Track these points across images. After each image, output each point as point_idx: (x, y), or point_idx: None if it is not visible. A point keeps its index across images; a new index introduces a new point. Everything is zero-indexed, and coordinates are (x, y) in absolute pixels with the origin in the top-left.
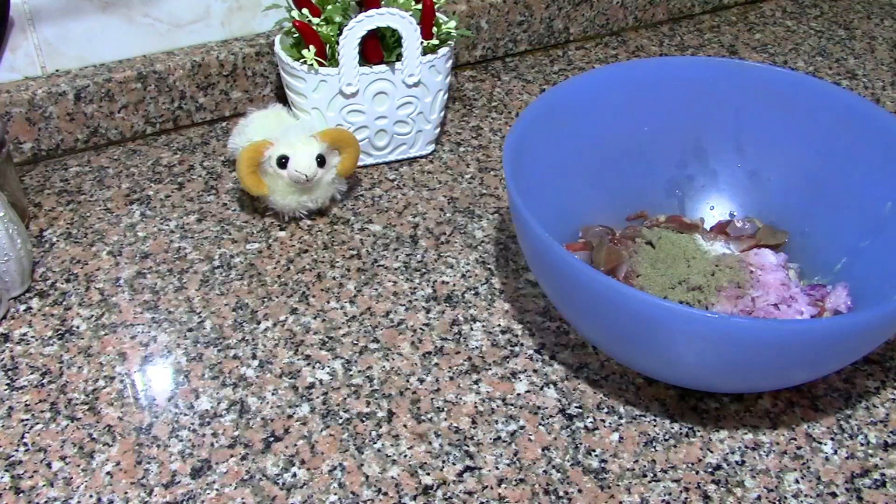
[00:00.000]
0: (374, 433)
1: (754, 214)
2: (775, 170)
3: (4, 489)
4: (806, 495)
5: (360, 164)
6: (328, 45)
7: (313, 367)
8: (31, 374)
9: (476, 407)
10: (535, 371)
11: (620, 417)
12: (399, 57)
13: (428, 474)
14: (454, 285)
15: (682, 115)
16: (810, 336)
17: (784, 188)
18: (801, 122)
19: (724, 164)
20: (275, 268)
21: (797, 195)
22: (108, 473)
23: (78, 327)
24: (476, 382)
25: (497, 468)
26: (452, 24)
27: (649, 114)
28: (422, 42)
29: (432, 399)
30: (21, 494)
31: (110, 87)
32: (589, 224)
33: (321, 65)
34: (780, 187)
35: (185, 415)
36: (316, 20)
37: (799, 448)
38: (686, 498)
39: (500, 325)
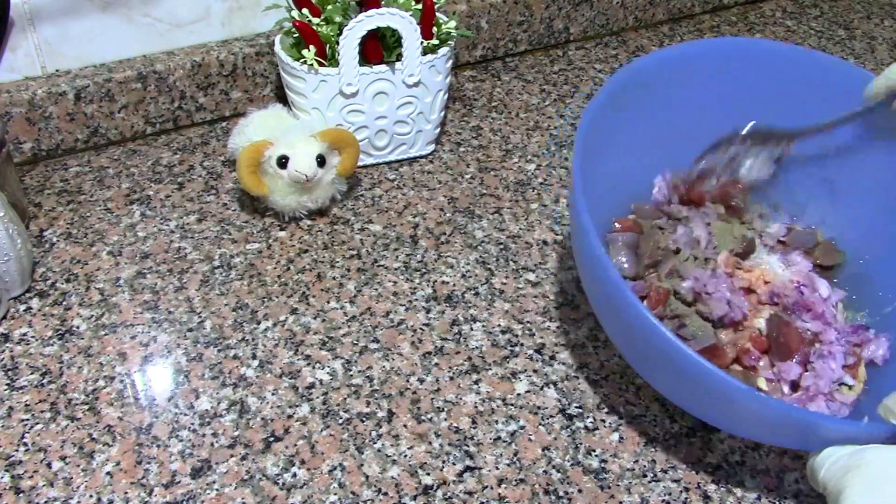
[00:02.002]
0: (374, 433)
1: (818, 225)
2: (854, 185)
3: (4, 489)
4: (806, 495)
5: (360, 164)
6: (328, 45)
7: (313, 367)
8: (31, 374)
9: (476, 407)
10: (535, 371)
11: (620, 417)
12: (399, 57)
13: (428, 474)
14: (454, 285)
15: (771, 103)
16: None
17: (858, 207)
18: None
19: (801, 164)
20: (275, 268)
21: (869, 218)
22: (108, 473)
23: (78, 327)
24: (476, 382)
25: (497, 468)
26: (452, 24)
27: (737, 96)
28: (422, 42)
29: (432, 399)
30: (21, 494)
31: (110, 87)
32: (646, 199)
33: (321, 65)
34: (853, 205)
35: (185, 415)
36: (316, 20)
37: (799, 448)
38: (686, 498)
39: (500, 325)
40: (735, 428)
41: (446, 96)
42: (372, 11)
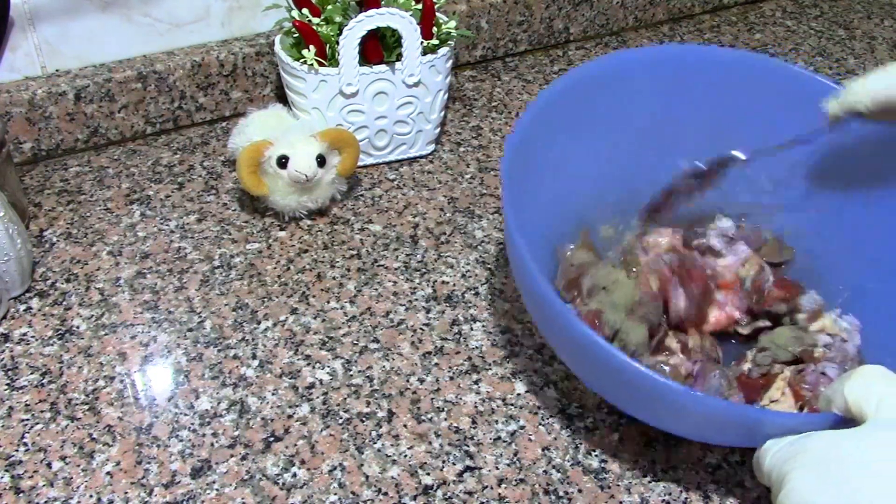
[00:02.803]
0: (374, 433)
1: (766, 224)
2: (799, 183)
3: (4, 489)
4: None
5: (360, 164)
6: (328, 45)
7: (313, 367)
8: (31, 374)
9: (476, 407)
10: (535, 371)
11: (620, 417)
12: (399, 57)
13: (428, 474)
14: (454, 285)
15: (710, 107)
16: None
17: (804, 204)
18: (838, 142)
19: (744, 167)
20: (275, 268)
21: (816, 215)
22: (108, 473)
23: (78, 327)
24: (476, 382)
25: (497, 468)
26: (452, 24)
27: (676, 100)
28: (422, 42)
29: (432, 399)
30: (21, 494)
31: (110, 87)
32: (592, 219)
33: (321, 65)
34: (799, 202)
35: (185, 415)
36: (316, 20)
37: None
38: (686, 498)
39: (500, 325)
40: (678, 428)
41: (446, 96)
42: (372, 11)
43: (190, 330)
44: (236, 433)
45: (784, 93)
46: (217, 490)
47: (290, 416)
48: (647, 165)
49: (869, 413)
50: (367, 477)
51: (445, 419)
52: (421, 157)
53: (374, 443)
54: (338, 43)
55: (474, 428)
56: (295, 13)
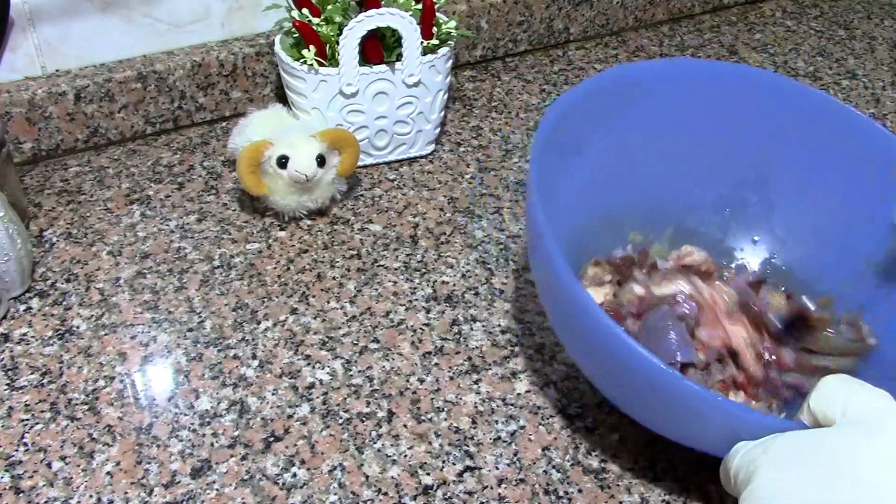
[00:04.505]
0: (374, 433)
1: (797, 264)
2: (838, 227)
3: (4, 489)
4: None
5: (360, 164)
6: (328, 45)
7: (313, 367)
8: (31, 374)
9: (476, 407)
10: (535, 371)
11: (621, 417)
12: (399, 57)
13: (428, 474)
14: (454, 285)
15: (755, 132)
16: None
17: (839, 252)
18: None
19: (785, 198)
20: (275, 268)
21: (851, 266)
22: (108, 473)
23: (78, 327)
24: (476, 382)
25: (497, 468)
26: (452, 24)
27: (720, 120)
28: (422, 42)
29: (432, 399)
30: (21, 494)
31: (110, 87)
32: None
33: (321, 65)
34: (836, 249)
35: (185, 415)
36: (316, 20)
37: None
38: (686, 498)
39: (500, 325)
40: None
41: (446, 96)
42: (372, 11)
43: (190, 330)
44: (236, 433)
45: (833, 132)
46: (217, 490)
47: (290, 416)
48: (685, 181)
49: (835, 419)
50: (367, 477)
51: (445, 419)
52: (421, 157)
53: (374, 443)
54: (338, 43)
55: (474, 428)
56: (295, 13)
